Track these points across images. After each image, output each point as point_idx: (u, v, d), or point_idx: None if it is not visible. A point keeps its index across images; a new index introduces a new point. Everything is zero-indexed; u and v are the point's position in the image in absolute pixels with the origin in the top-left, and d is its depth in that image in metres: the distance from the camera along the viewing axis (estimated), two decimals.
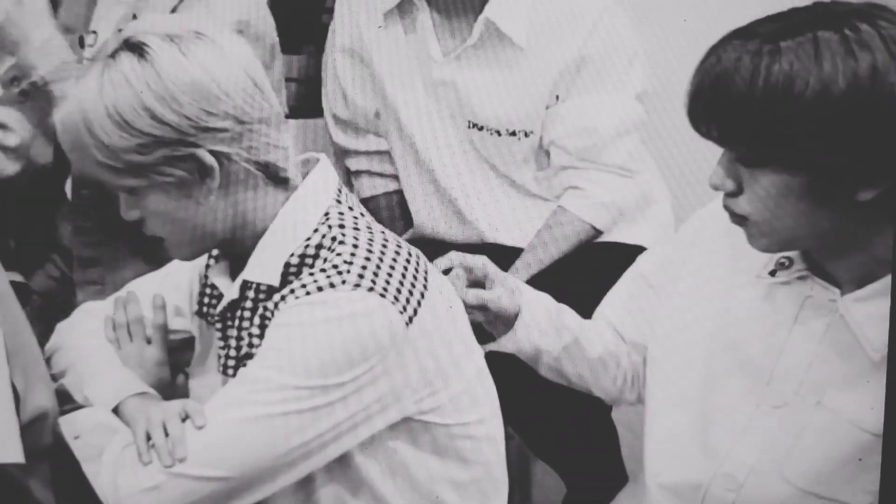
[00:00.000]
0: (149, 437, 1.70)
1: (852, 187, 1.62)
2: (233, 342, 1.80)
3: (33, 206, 2.45)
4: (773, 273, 1.77)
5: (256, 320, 1.76)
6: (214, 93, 1.69)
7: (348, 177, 2.68)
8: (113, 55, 1.71)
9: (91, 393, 1.82)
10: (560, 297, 2.02)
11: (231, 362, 1.81)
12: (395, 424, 1.76)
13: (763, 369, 1.76)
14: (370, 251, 1.72)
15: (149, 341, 1.93)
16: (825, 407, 1.72)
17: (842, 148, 1.60)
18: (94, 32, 2.37)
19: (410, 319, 1.71)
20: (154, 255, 2.00)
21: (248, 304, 1.78)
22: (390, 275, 1.71)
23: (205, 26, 1.73)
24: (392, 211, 2.66)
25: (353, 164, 2.66)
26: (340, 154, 2.67)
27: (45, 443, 1.75)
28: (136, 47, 1.70)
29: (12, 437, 1.67)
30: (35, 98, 2.28)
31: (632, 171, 2.50)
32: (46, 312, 2.31)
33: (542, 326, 1.95)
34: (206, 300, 1.88)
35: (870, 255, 1.68)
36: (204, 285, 1.89)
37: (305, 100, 2.77)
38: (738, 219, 1.71)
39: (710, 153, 1.73)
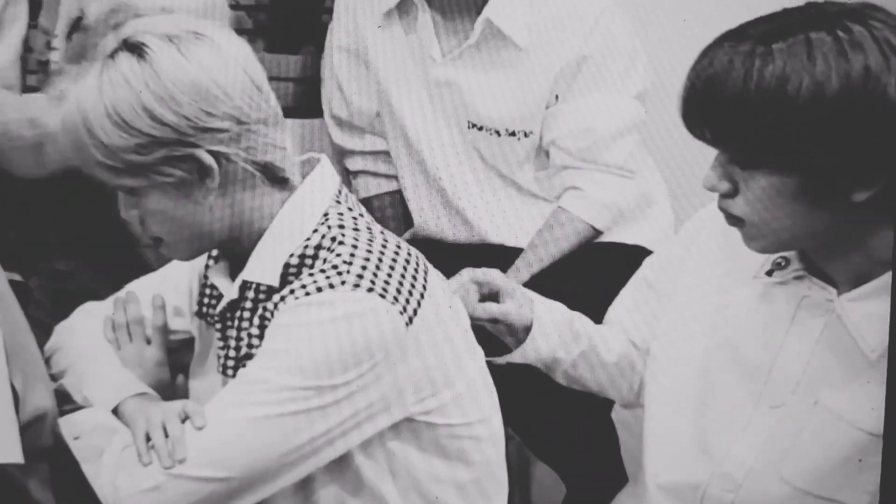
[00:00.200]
0: (148, 438, 1.70)
1: (847, 188, 1.63)
2: (232, 342, 1.80)
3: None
4: (769, 273, 1.77)
5: (256, 321, 1.76)
6: (213, 93, 1.69)
7: (347, 177, 2.68)
8: (112, 55, 1.70)
9: (91, 393, 1.82)
10: (560, 298, 2.02)
11: (231, 363, 1.80)
12: (396, 425, 1.75)
13: (760, 369, 1.76)
14: (370, 251, 1.72)
15: (148, 342, 1.93)
16: (823, 407, 1.72)
17: (835, 149, 1.60)
18: (56, 35, 2.38)
19: (410, 319, 1.71)
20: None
21: (248, 304, 1.78)
22: (390, 275, 1.71)
23: (204, 26, 1.73)
24: (391, 211, 2.66)
25: (352, 164, 2.66)
26: (339, 154, 2.67)
27: (44, 443, 1.75)
28: (135, 47, 1.70)
29: (12, 438, 1.67)
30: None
31: (632, 171, 2.50)
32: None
33: (555, 337, 1.95)
34: (205, 300, 1.88)
35: (866, 255, 1.69)
36: (203, 286, 1.89)
37: (305, 100, 2.76)
38: (734, 220, 1.71)
39: (710, 153, 1.73)
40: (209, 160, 1.71)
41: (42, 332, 1.95)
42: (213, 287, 1.86)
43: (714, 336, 1.82)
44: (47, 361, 1.89)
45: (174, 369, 1.95)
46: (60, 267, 2.46)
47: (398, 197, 2.65)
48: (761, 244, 1.72)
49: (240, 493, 1.69)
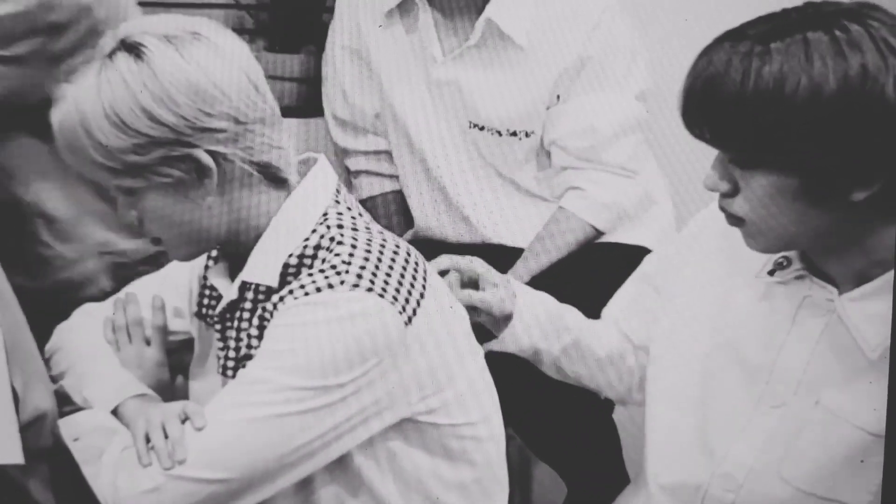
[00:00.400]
0: (148, 439, 1.69)
1: (846, 187, 1.62)
2: (232, 343, 1.80)
3: None
4: (771, 273, 1.77)
5: (255, 321, 1.76)
6: (212, 93, 1.69)
7: (348, 176, 2.68)
8: (110, 55, 1.70)
9: (90, 394, 1.82)
10: (561, 298, 2.02)
11: (230, 363, 1.80)
12: (396, 425, 1.75)
13: (761, 369, 1.76)
14: (368, 251, 1.72)
15: (148, 343, 1.93)
16: (823, 406, 1.72)
17: (834, 148, 1.60)
18: None
19: (410, 319, 1.71)
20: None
21: (247, 304, 1.78)
22: (389, 275, 1.71)
23: (202, 26, 1.73)
24: (392, 211, 2.66)
25: (353, 163, 2.66)
26: (341, 154, 2.67)
27: (44, 444, 1.76)
28: (132, 48, 1.70)
29: (12, 438, 1.68)
30: None
31: (633, 171, 2.50)
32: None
33: (539, 327, 1.95)
34: (205, 301, 1.88)
35: (866, 255, 1.69)
36: (203, 286, 1.88)
37: (306, 99, 2.77)
38: (734, 220, 1.71)
39: (711, 153, 1.73)
40: (207, 160, 1.71)
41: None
42: (212, 288, 1.86)
43: (715, 336, 1.82)
44: (47, 362, 1.89)
45: (174, 370, 1.95)
46: None
47: (399, 197, 2.65)
48: (762, 244, 1.72)
49: (240, 493, 1.69)
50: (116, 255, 2.32)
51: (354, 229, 1.75)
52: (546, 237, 2.48)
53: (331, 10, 2.66)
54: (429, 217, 2.59)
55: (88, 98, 1.69)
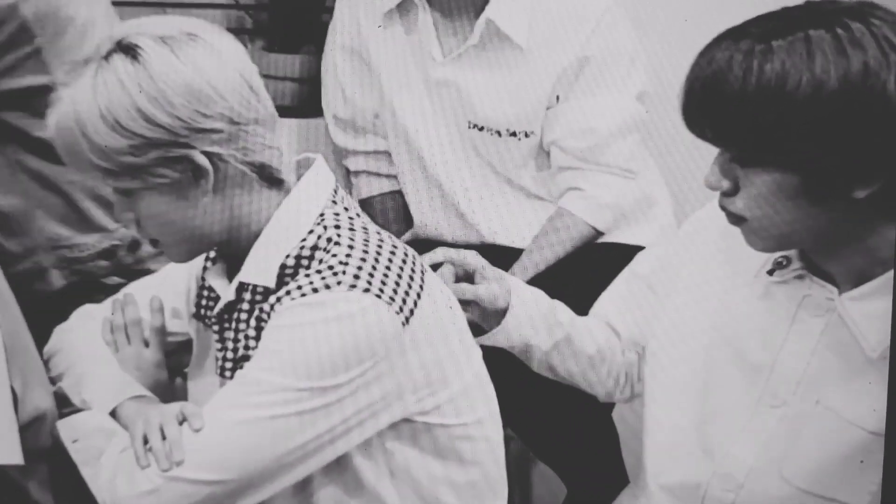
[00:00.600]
0: (146, 441, 1.69)
1: (847, 185, 1.62)
2: (230, 344, 1.80)
3: None
4: (770, 272, 1.77)
5: (253, 322, 1.76)
6: (208, 94, 1.69)
7: (348, 176, 2.68)
8: (106, 57, 1.70)
9: (89, 396, 1.82)
10: (560, 298, 2.02)
11: (228, 364, 1.80)
12: (394, 425, 1.75)
13: (761, 369, 1.76)
14: (366, 252, 1.72)
15: (146, 344, 1.93)
16: (823, 406, 1.72)
17: (835, 146, 1.60)
18: None
19: (407, 320, 1.71)
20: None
21: (245, 305, 1.78)
22: (386, 275, 1.71)
23: (197, 27, 1.73)
24: (391, 211, 2.66)
25: (353, 164, 2.66)
26: (340, 154, 2.67)
27: (43, 444, 1.76)
28: (128, 49, 1.69)
29: (11, 439, 1.68)
30: None
31: (632, 171, 2.50)
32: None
33: (532, 322, 1.95)
34: (203, 302, 1.88)
35: (866, 254, 1.68)
36: (201, 287, 1.88)
37: (305, 99, 2.77)
38: (735, 219, 1.71)
39: (710, 154, 1.73)
40: (204, 161, 1.70)
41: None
42: (210, 289, 1.86)
43: (715, 336, 1.82)
44: (46, 364, 1.89)
45: (172, 371, 1.95)
46: None
47: (398, 197, 2.65)
48: (762, 242, 1.71)
49: (238, 494, 1.69)
50: (69, 249, 2.32)
51: (352, 229, 1.75)
52: (545, 237, 2.48)
53: (330, 11, 2.66)
54: (427, 217, 2.59)
55: (84, 99, 1.69)
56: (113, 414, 1.79)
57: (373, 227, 1.78)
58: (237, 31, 2.84)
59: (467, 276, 1.96)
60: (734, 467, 1.77)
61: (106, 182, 1.73)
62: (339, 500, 1.77)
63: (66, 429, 1.77)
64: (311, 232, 1.74)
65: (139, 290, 1.97)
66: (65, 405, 1.83)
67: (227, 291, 1.80)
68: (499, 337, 1.95)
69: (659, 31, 2.46)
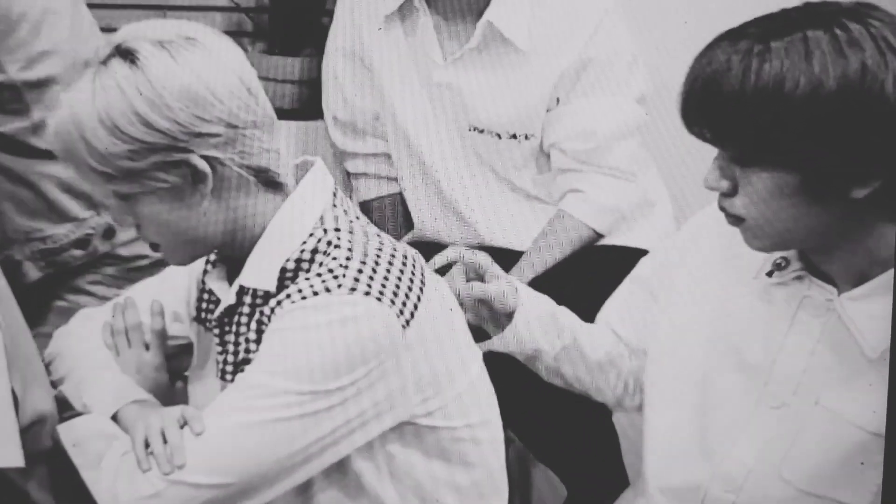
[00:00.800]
0: (147, 444, 1.70)
1: (845, 185, 1.63)
2: (231, 347, 1.80)
3: None
4: (769, 274, 1.77)
5: (254, 325, 1.76)
6: (206, 98, 1.69)
7: (348, 179, 2.68)
8: (105, 61, 1.70)
9: (90, 400, 1.82)
10: (560, 300, 2.02)
11: (229, 367, 1.80)
12: (395, 428, 1.75)
13: (761, 370, 1.76)
14: (366, 255, 1.72)
15: (147, 347, 1.93)
16: (823, 407, 1.72)
17: (833, 146, 1.61)
18: None
19: (408, 322, 1.71)
20: None
21: (246, 309, 1.78)
22: (386, 278, 1.71)
23: (196, 31, 1.73)
24: (391, 213, 2.66)
25: (353, 166, 2.67)
26: (340, 156, 2.67)
27: (43, 446, 1.76)
28: (127, 53, 1.69)
29: (12, 441, 1.68)
30: None
31: (633, 174, 2.50)
32: None
33: (539, 326, 1.95)
34: (203, 305, 1.88)
35: (865, 254, 1.69)
36: (201, 291, 1.89)
37: (305, 102, 2.77)
38: (734, 219, 1.71)
39: (710, 156, 1.74)
40: (203, 165, 1.70)
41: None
42: (210, 292, 1.86)
43: (714, 337, 1.82)
44: (47, 367, 1.89)
45: (173, 374, 1.95)
46: None
47: (398, 199, 2.65)
48: (761, 243, 1.72)
49: (239, 498, 1.69)
50: (42, 241, 2.31)
51: (351, 232, 1.75)
52: (545, 239, 2.48)
53: (330, 13, 2.66)
54: (427, 220, 2.59)
55: (84, 104, 1.69)
56: (114, 418, 1.79)
57: (372, 230, 1.78)
58: (237, 34, 2.85)
59: (477, 277, 1.96)
60: (734, 468, 1.77)
61: (105, 186, 1.73)
62: (340, 503, 1.77)
63: (67, 432, 1.77)
64: (311, 235, 1.74)
65: (139, 294, 1.97)
66: (66, 409, 1.83)
67: (227, 295, 1.80)
68: (508, 339, 1.95)
69: (659, 33, 2.46)
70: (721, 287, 1.83)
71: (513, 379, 1.99)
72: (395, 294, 1.71)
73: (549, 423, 2.36)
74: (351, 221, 1.77)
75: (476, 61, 2.48)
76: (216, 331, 1.82)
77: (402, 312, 1.71)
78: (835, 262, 1.71)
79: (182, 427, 1.70)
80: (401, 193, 2.64)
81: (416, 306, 1.73)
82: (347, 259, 1.71)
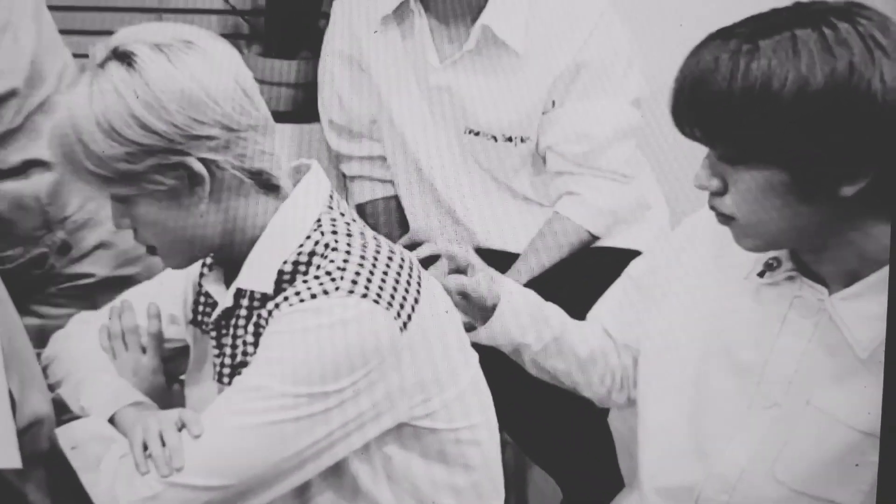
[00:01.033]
0: (146, 447, 1.70)
1: (834, 183, 1.63)
2: (228, 350, 1.80)
3: None
4: (761, 274, 1.78)
5: (251, 328, 1.76)
6: (203, 101, 1.69)
7: (344, 181, 2.69)
8: (102, 64, 1.70)
9: (87, 403, 1.82)
10: (556, 302, 2.02)
11: (226, 370, 1.80)
12: (391, 430, 1.76)
13: (753, 371, 1.76)
14: (363, 257, 1.72)
15: (144, 350, 1.93)
16: (815, 406, 1.72)
17: (821, 144, 1.61)
18: None
19: (405, 325, 1.71)
20: None
21: (243, 311, 1.78)
22: (383, 280, 1.71)
23: (193, 34, 1.73)
24: (387, 216, 2.66)
25: (349, 169, 2.67)
26: (336, 159, 2.67)
27: (41, 448, 1.76)
28: (124, 56, 1.69)
29: (9, 443, 1.68)
30: None
31: (628, 176, 2.50)
32: None
33: (522, 319, 1.95)
34: (200, 308, 1.88)
35: (856, 254, 1.69)
36: (198, 293, 1.89)
37: (301, 105, 2.77)
38: (724, 218, 1.72)
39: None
40: (200, 168, 1.71)
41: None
42: (207, 295, 1.86)
43: (707, 338, 1.82)
44: (44, 371, 1.89)
45: (170, 378, 1.95)
46: None
47: (394, 202, 2.65)
48: (751, 241, 1.72)
49: (237, 500, 1.69)
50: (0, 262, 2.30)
51: (349, 235, 1.75)
52: (541, 242, 2.49)
53: (326, 16, 2.67)
54: (423, 222, 2.59)
55: (81, 107, 1.69)
56: (111, 421, 1.79)
57: (369, 233, 1.78)
58: (234, 37, 2.85)
59: (460, 271, 1.97)
60: (727, 469, 1.77)
61: (102, 189, 1.73)
62: None
63: (65, 435, 1.77)
64: (308, 238, 1.74)
65: (136, 297, 1.97)
66: (63, 412, 1.83)
67: (224, 297, 1.80)
68: (487, 333, 1.95)
69: (654, 36, 2.46)
70: (714, 287, 1.83)
71: (508, 381, 1.99)
72: (393, 296, 1.71)
73: (544, 426, 2.36)
74: (348, 224, 1.77)
75: (472, 64, 2.48)
76: (213, 334, 1.83)
77: (399, 314, 1.71)
78: (825, 262, 1.72)
79: (180, 430, 1.70)
80: (396, 196, 2.64)
81: (413, 308, 1.73)
82: (345, 261, 1.71)
